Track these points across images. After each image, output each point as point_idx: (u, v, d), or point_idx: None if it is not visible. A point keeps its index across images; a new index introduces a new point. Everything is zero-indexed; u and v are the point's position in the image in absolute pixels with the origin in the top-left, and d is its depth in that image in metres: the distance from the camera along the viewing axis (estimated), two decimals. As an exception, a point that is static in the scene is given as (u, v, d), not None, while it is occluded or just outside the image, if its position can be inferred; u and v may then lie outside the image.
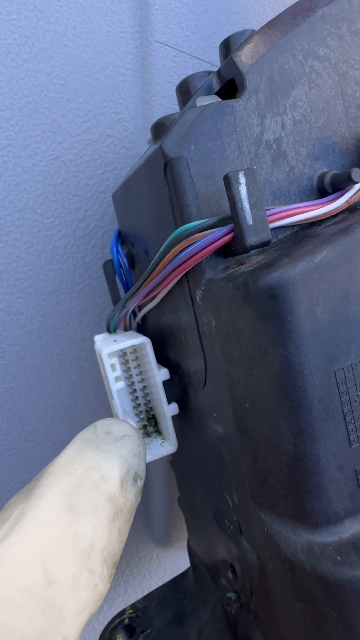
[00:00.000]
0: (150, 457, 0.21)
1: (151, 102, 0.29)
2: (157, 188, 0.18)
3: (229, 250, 0.16)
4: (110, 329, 0.25)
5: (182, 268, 0.16)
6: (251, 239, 0.15)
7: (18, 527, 0.14)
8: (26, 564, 0.13)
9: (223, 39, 0.29)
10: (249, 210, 0.15)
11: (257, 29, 0.30)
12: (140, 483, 0.17)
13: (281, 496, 0.16)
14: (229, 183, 0.15)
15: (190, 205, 0.16)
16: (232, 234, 0.16)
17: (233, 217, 0.15)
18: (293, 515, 0.16)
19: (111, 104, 0.28)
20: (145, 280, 0.19)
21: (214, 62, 0.30)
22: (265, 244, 0.15)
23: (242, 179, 0.15)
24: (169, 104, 0.29)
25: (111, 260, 0.24)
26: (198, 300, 0.17)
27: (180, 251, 0.16)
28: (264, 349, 0.15)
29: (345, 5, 0.18)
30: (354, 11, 0.18)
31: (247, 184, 0.15)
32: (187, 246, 0.16)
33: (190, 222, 0.16)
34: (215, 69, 0.30)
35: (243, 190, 0.15)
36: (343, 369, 0.15)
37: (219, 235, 0.16)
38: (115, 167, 0.29)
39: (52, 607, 0.13)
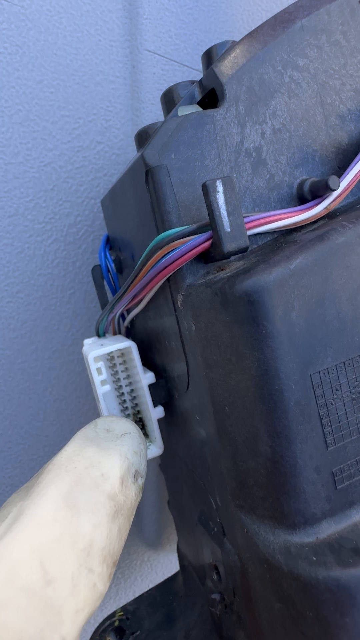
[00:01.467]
0: (136, 460, 0.21)
1: (141, 109, 0.29)
2: (140, 195, 0.18)
3: (209, 257, 0.17)
4: (100, 333, 0.26)
5: (164, 274, 0.17)
6: (229, 246, 0.15)
7: (16, 525, 0.14)
8: (25, 562, 0.13)
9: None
10: (227, 218, 0.15)
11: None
12: (141, 481, 0.17)
13: (260, 498, 0.16)
14: (206, 191, 0.15)
15: (171, 212, 0.17)
16: (210, 241, 0.16)
17: (211, 225, 0.16)
18: (271, 516, 0.16)
19: (101, 112, 0.29)
20: (130, 285, 0.19)
21: (202, 69, 0.30)
22: (243, 251, 0.16)
23: (220, 187, 0.15)
24: (158, 111, 0.29)
25: (99, 265, 0.25)
26: (179, 305, 0.17)
27: (161, 257, 0.17)
28: (241, 353, 0.15)
29: (324, 16, 0.18)
30: (333, 22, 0.19)
31: (224, 192, 0.15)
32: (168, 252, 0.16)
33: (171, 229, 0.17)
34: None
35: (221, 198, 0.15)
36: (319, 372, 0.15)
37: (198, 242, 0.16)
38: (105, 174, 0.29)
39: (51, 606, 0.13)
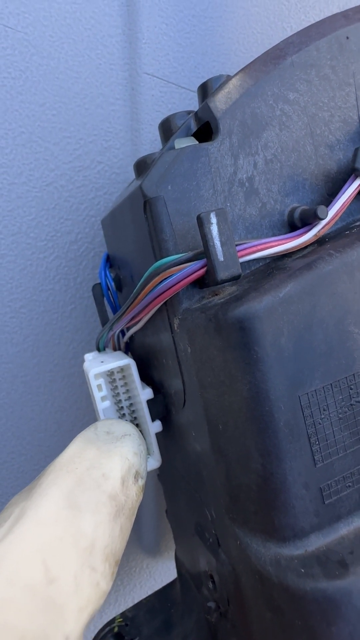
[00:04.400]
0: (135, 473, 0.22)
1: (140, 130, 0.30)
2: (139, 222, 0.19)
3: (203, 283, 0.18)
4: (100, 348, 0.27)
5: (161, 298, 0.18)
6: (222, 274, 0.16)
7: (19, 526, 0.14)
8: (27, 562, 0.13)
9: (209, 69, 0.31)
10: (220, 248, 0.16)
11: (240, 59, 0.31)
12: (141, 482, 0.18)
13: (252, 512, 0.17)
14: (201, 223, 0.16)
15: (168, 240, 0.18)
16: (205, 269, 0.17)
17: (205, 254, 0.16)
18: (263, 530, 0.17)
19: (101, 133, 0.30)
20: (129, 307, 0.20)
21: (200, 91, 0.31)
22: (235, 278, 0.17)
23: (214, 219, 0.16)
24: (157, 132, 0.30)
25: (99, 283, 0.26)
26: (176, 328, 0.18)
27: (159, 283, 0.17)
28: (233, 375, 0.16)
29: (314, 52, 0.19)
30: (322, 58, 0.20)
31: (218, 224, 0.16)
32: (165, 279, 0.17)
33: (167, 256, 0.18)
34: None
35: (214, 229, 0.16)
36: (307, 394, 0.16)
37: (193, 270, 0.17)
38: (105, 192, 0.30)
39: (54, 605, 0.13)
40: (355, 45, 0.20)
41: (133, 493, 0.17)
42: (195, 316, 0.17)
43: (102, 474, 0.16)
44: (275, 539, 0.16)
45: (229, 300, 0.16)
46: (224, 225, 0.16)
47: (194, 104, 0.31)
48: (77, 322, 0.31)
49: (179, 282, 0.17)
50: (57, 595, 0.13)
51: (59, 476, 0.16)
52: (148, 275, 0.18)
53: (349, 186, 0.19)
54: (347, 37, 0.20)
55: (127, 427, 0.19)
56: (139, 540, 0.35)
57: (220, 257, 0.16)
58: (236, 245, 0.17)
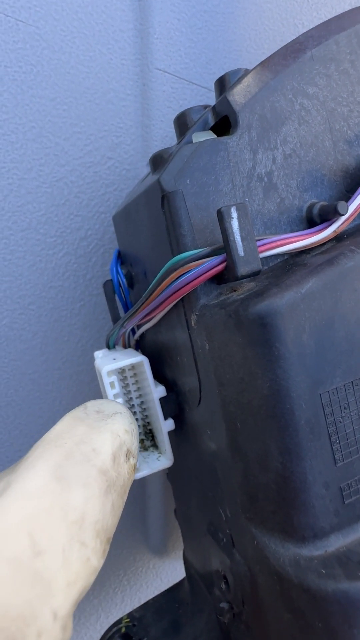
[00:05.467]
0: (147, 471, 0.22)
1: (151, 126, 0.30)
2: (155, 217, 0.19)
3: (222, 278, 0.17)
4: (110, 345, 0.26)
5: (178, 294, 0.17)
6: (242, 270, 0.16)
7: (3, 498, 0.13)
8: (12, 534, 0.13)
9: (220, 65, 0.31)
10: (241, 243, 0.16)
11: (252, 56, 0.31)
12: (132, 461, 0.17)
13: (270, 512, 0.17)
14: (222, 217, 0.16)
15: (186, 235, 0.17)
16: (224, 264, 0.17)
17: (225, 249, 0.16)
18: (281, 530, 0.17)
19: (112, 128, 0.30)
20: (143, 303, 0.20)
21: (212, 87, 0.31)
22: (255, 274, 0.16)
23: (234, 214, 0.16)
24: (168, 128, 0.30)
25: (111, 280, 0.25)
26: (193, 325, 0.18)
27: (176, 278, 0.17)
28: (253, 373, 0.16)
29: (333, 46, 0.19)
30: (342, 52, 0.19)
31: (238, 218, 0.16)
32: (183, 274, 0.17)
33: (185, 251, 0.17)
34: (213, 93, 0.32)
35: (235, 224, 0.16)
36: (328, 392, 0.16)
37: (212, 265, 0.17)
38: (115, 188, 0.30)
39: (40, 578, 0.12)
40: (375, 40, 0.20)
41: (125, 471, 0.16)
42: (214, 312, 0.17)
43: (92, 448, 0.15)
44: (294, 539, 0.16)
45: (249, 296, 0.16)
46: (245, 220, 0.16)
47: (205, 100, 0.31)
48: (86, 319, 0.30)
49: (198, 277, 0.17)
50: (43, 569, 0.12)
51: (47, 450, 0.15)
52: (165, 270, 0.17)
53: (369, 182, 0.19)
54: (367, 31, 0.20)
55: (117, 406, 0.18)
56: (146, 540, 0.35)
57: (241, 252, 0.16)
58: (256, 240, 0.17)
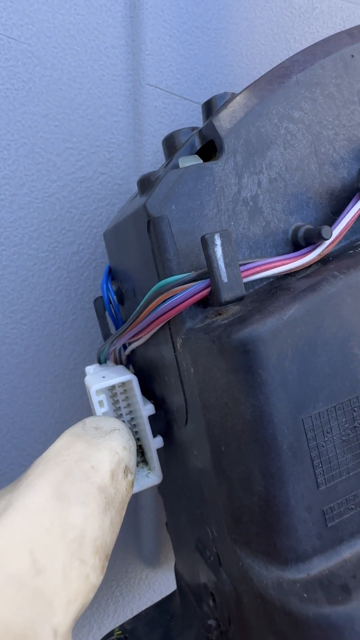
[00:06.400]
0: (136, 488, 0.22)
1: (142, 141, 0.30)
2: (142, 240, 0.19)
3: (207, 302, 0.17)
4: (101, 360, 0.26)
5: (164, 318, 0.18)
6: (226, 296, 0.16)
7: (5, 517, 0.14)
8: (13, 552, 0.13)
9: (212, 81, 0.31)
10: (224, 269, 0.16)
11: (243, 71, 0.31)
12: (130, 477, 0.17)
13: (254, 534, 0.17)
14: (205, 244, 0.16)
15: (172, 260, 0.18)
16: (209, 289, 0.17)
17: (210, 275, 0.16)
18: (265, 552, 0.17)
19: (104, 144, 0.30)
20: (131, 324, 0.20)
21: (202, 102, 0.31)
22: (239, 300, 0.17)
23: (218, 241, 0.16)
24: (159, 144, 0.30)
25: (101, 297, 0.25)
26: (179, 348, 0.18)
27: (162, 302, 0.17)
28: (236, 398, 0.16)
29: (319, 71, 0.19)
30: (327, 76, 0.19)
31: (222, 245, 0.16)
32: (168, 298, 0.17)
33: (171, 275, 0.17)
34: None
35: (219, 250, 0.16)
36: (311, 416, 0.16)
37: (197, 290, 0.17)
38: (107, 203, 0.30)
39: (41, 596, 0.13)
40: (360, 64, 0.20)
41: (123, 487, 0.16)
42: (198, 337, 0.17)
43: (91, 466, 0.16)
44: (277, 561, 0.16)
45: (232, 322, 0.16)
46: (228, 246, 0.16)
47: (197, 115, 0.31)
48: (78, 333, 0.31)
49: (183, 302, 0.17)
50: (44, 587, 0.13)
51: (47, 468, 0.15)
52: (151, 294, 0.18)
53: (353, 206, 0.19)
54: (352, 56, 0.20)
55: (115, 423, 0.19)
56: (139, 551, 0.35)
57: (225, 279, 0.16)
58: (240, 265, 0.17)
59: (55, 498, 0.14)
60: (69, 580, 0.13)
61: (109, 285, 0.25)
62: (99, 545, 0.14)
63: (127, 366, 0.26)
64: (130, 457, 0.18)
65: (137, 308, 0.19)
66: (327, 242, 0.18)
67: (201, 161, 0.18)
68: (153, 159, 0.31)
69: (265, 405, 0.16)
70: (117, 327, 0.26)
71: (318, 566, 0.16)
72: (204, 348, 0.17)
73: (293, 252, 0.19)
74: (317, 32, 0.33)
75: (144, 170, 0.30)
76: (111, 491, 0.16)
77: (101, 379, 0.22)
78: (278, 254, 0.19)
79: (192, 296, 0.17)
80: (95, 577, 0.14)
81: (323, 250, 0.18)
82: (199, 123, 0.31)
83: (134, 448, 0.18)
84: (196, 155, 0.19)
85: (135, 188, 0.30)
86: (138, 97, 0.30)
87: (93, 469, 0.16)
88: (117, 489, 0.16)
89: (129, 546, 0.35)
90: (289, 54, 0.33)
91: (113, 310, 0.25)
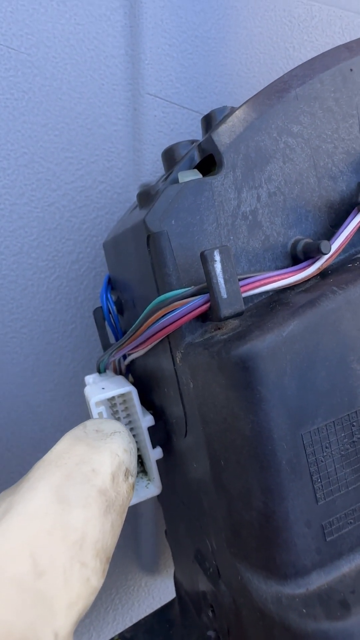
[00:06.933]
0: (135, 500, 0.22)
1: (142, 150, 0.30)
2: (141, 253, 0.19)
3: (206, 317, 0.17)
4: (101, 370, 0.26)
5: (163, 332, 0.18)
6: (225, 311, 0.16)
7: (6, 519, 0.14)
8: (14, 555, 0.13)
9: (211, 90, 0.31)
10: (224, 285, 0.16)
11: (242, 80, 0.31)
12: (131, 480, 0.17)
13: (253, 548, 0.17)
14: (205, 260, 0.16)
15: (171, 275, 0.18)
16: (208, 304, 0.17)
17: (209, 291, 0.16)
18: (264, 566, 0.17)
19: (104, 153, 0.30)
20: (130, 337, 0.20)
21: (202, 111, 0.31)
22: (238, 315, 0.17)
23: (217, 257, 0.16)
24: (158, 153, 0.30)
25: (101, 307, 0.25)
26: (178, 362, 0.18)
27: (161, 317, 0.17)
28: (236, 414, 0.16)
29: (317, 85, 0.19)
30: (326, 90, 0.20)
31: (221, 261, 0.16)
32: (167, 313, 0.17)
33: (170, 290, 0.18)
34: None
35: (218, 266, 0.16)
36: (310, 432, 0.16)
37: (196, 305, 0.17)
38: (107, 212, 0.30)
39: (42, 599, 0.13)
40: (359, 77, 0.20)
41: (124, 490, 0.16)
42: (198, 352, 0.17)
43: (92, 469, 0.16)
44: (276, 576, 0.16)
45: (232, 338, 0.16)
46: (228, 262, 0.16)
47: (196, 124, 0.31)
48: (78, 342, 0.31)
49: (182, 317, 0.17)
50: (45, 589, 0.13)
51: (48, 470, 0.15)
52: (151, 308, 0.18)
53: (352, 219, 0.19)
54: (351, 70, 0.20)
55: (116, 425, 0.19)
56: (138, 559, 0.35)
57: (224, 295, 0.16)
58: (239, 279, 0.17)
59: (56, 501, 0.14)
60: (69, 583, 0.13)
61: (109, 296, 0.25)
62: (99, 548, 0.14)
63: (126, 376, 0.26)
64: (131, 459, 0.18)
65: (137, 321, 0.19)
66: (326, 257, 0.18)
67: (201, 176, 0.19)
68: (152, 167, 0.31)
69: (265, 422, 0.16)
70: (116, 337, 0.26)
71: (317, 581, 0.16)
72: (203, 363, 0.17)
73: (292, 265, 0.19)
74: (316, 40, 0.33)
75: (144, 179, 0.31)
76: (112, 494, 0.16)
77: (101, 390, 0.22)
78: (277, 268, 0.19)
79: (192, 311, 0.17)
80: (96, 580, 0.14)
81: (322, 265, 0.18)
82: (199, 132, 0.31)
83: (134, 450, 0.18)
84: (195, 170, 0.19)
85: (134, 197, 0.30)
86: (137, 106, 0.30)
87: (94, 472, 0.16)
88: (118, 492, 0.16)
89: (128, 553, 0.35)
90: (288, 63, 0.33)
91: (112, 321, 0.25)
